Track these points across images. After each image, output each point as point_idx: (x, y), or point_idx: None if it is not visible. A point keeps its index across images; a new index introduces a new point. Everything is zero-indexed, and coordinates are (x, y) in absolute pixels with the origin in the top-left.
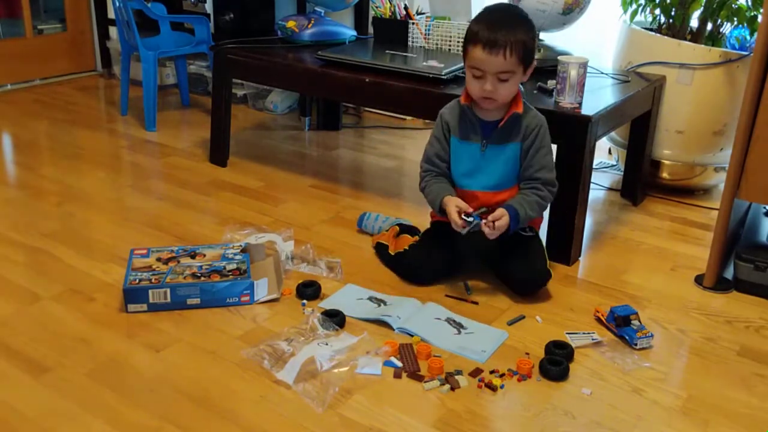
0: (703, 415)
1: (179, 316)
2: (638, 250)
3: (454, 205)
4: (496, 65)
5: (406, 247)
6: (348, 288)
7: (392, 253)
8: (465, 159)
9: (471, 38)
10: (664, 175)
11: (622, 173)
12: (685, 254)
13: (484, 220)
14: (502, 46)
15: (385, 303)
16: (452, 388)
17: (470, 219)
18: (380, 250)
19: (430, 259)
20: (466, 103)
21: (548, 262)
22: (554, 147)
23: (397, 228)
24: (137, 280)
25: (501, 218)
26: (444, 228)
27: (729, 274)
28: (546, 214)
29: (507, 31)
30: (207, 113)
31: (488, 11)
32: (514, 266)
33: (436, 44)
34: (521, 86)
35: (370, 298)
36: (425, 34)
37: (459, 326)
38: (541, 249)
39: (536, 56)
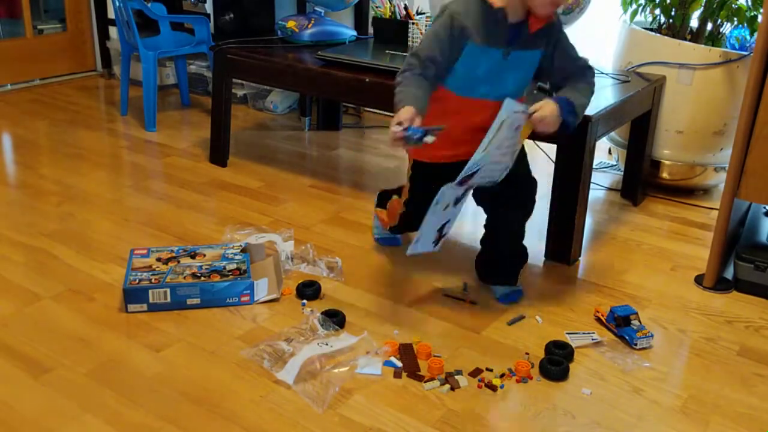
0: (703, 415)
1: (179, 316)
2: (638, 250)
3: (402, 115)
4: None
5: (403, 210)
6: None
7: (401, 211)
8: (482, 67)
9: None
10: (664, 175)
11: (622, 173)
12: (685, 254)
13: (432, 137)
14: None
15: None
16: (452, 388)
17: (408, 133)
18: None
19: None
20: (501, 6)
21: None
22: (554, 147)
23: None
24: (137, 280)
25: (542, 107)
26: (429, 170)
27: (729, 274)
28: (546, 213)
29: None
30: (207, 113)
31: None
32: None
33: None
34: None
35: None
36: None
37: None
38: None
39: None
